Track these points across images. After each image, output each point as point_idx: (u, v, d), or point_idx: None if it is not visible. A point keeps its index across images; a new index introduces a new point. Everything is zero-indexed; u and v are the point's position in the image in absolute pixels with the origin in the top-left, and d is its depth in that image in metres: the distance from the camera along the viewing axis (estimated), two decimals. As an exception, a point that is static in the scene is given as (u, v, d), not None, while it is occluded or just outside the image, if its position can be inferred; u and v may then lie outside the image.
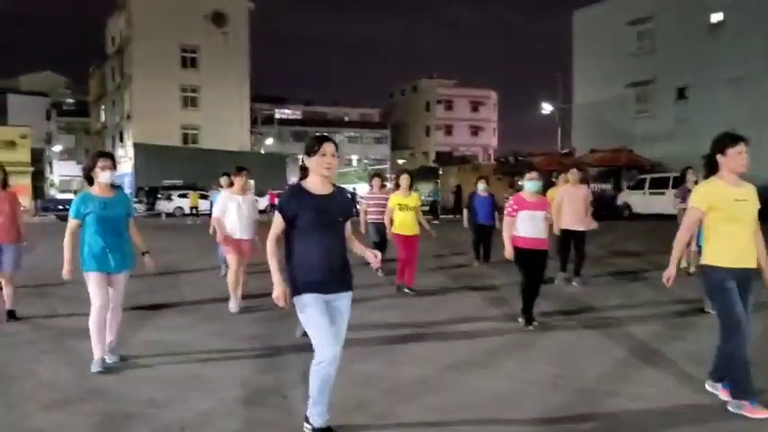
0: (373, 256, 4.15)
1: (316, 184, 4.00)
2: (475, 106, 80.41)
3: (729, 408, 4.39)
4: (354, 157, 78.11)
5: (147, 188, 42.04)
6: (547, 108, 42.32)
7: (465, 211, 13.24)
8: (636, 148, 33.51)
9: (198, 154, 46.85)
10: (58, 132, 71.84)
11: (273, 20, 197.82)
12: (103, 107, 61.28)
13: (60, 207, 38.49)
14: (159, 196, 39.10)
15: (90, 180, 5.62)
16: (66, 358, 5.96)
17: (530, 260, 7.11)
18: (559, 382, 5.17)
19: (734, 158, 4.48)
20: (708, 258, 4.52)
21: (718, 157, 4.56)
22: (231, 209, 8.10)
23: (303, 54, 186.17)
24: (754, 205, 4.55)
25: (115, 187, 5.80)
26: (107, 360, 5.54)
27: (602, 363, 5.70)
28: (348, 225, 4.13)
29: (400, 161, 77.12)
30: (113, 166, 5.65)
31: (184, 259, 13.80)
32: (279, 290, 3.90)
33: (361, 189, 46.89)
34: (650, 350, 6.10)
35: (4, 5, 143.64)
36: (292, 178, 67.96)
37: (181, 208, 36.32)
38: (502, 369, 5.56)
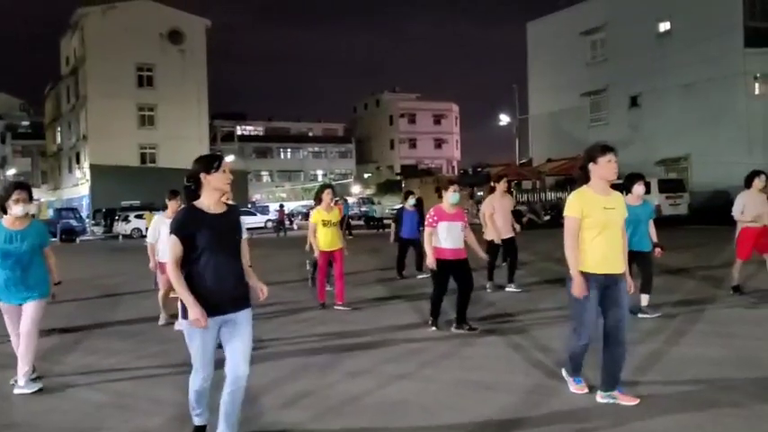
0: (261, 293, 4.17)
1: (211, 202, 3.88)
2: (437, 119, 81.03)
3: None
4: (320, 173, 78.06)
5: (104, 210, 41.37)
6: (504, 119, 42.74)
7: (393, 225, 13.15)
8: (586, 157, 33.93)
9: (156, 173, 46.21)
10: (14, 155, 70.37)
11: (233, 36, 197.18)
12: (59, 129, 60.26)
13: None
14: (117, 218, 38.44)
15: (5, 210, 5.46)
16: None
17: (450, 270, 7.25)
18: (487, 392, 5.11)
19: (604, 167, 4.63)
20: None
21: (590, 166, 4.68)
22: (164, 233, 7.96)
23: (265, 70, 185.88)
24: (622, 214, 4.75)
25: (32, 217, 5.71)
26: (25, 389, 5.43)
27: (528, 371, 5.65)
28: (245, 244, 4.05)
29: (366, 175, 77.32)
30: (29, 199, 5.53)
31: (129, 281, 13.51)
32: (196, 311, 3.74)
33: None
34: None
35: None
36: (255, 195, 67.74)
37: (138, 229, 35.69)
38: (431, 380, 5.49)
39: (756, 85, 30.33)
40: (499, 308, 8.72)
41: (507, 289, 10.13)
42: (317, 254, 9.09)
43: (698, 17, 31.39)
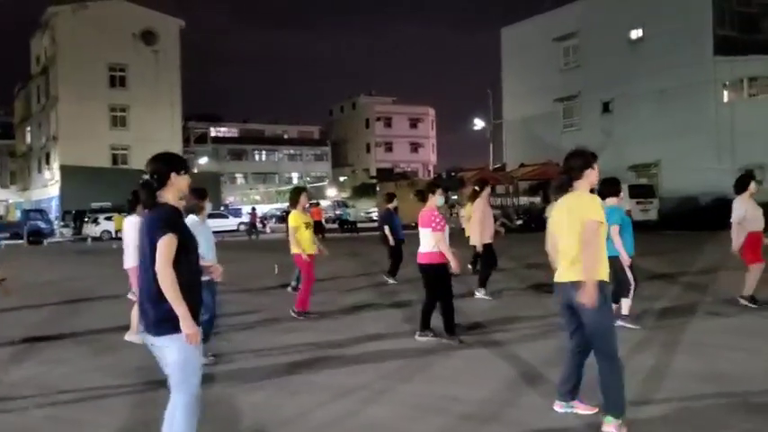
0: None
1: (174, 203, 3.61)
2: (414, 123, 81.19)
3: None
4: (295, 175, 77.77)
5: (73, 212, 40.77)
6: (479, 124, 42.90)
7: (387, 228, 12.95)
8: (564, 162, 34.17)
9: (128, 175, 45.60)
10: (-18, 155, 69.10)
11: (210, 37, 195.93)
12: (29, 129, 59.29)
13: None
14: (86, 220, 37.88)
15: None
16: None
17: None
18: (447, 406, 5.03)
19: (594, 173, 4.58)
20: None
21: (588, 171, 4.57)
22: (131, 237, 7.71)
23: (242, 72, 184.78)
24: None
25: None
26: None
27: (495, 383, 5.58)
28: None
29: (342, 178, 77.18)
30: None
31: (93, 286, 13.25)
32: (191, 324, 3.42)
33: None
34: (541, 370, 6.01)
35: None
36: (229, 198, 67.24)
37: (108, 231, 35.24)
38: (396, 393, 5.41)
39: (725, 92, 30.78)
40: (475, 317, 8.58)
41: (477, 295, 10.01)
42: (305, 257, 8.77)
43: (669, 25, 31.77)
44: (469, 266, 11.89)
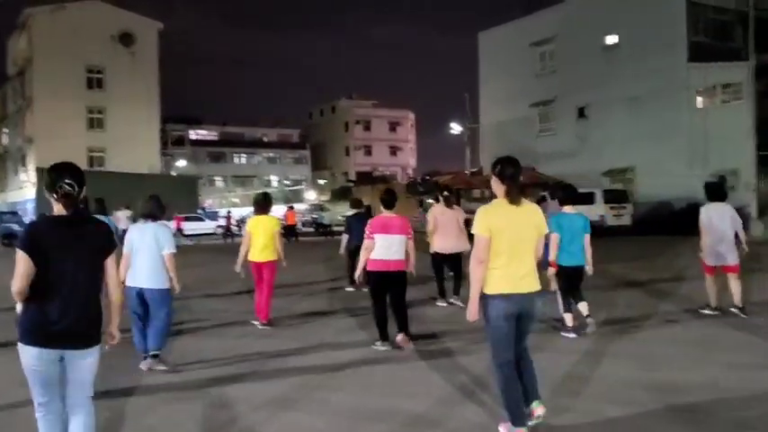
0: None
1: (61, 211, 3.58)
2: (393, 126, 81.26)
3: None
4: (274, 178, 77.50)
5: (48, 214, 40.24)
6: (456, 128, 43.01)
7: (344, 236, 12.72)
8: (540, 166, 34.36)
9: (104, 177, 45.17)
10: (-43, 157, 68.21)
11: (190, 40, 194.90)
12: (5, 130, 58.65)
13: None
14: (61, 222, 37.37)
15: None
16: None
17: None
18: (382, 416, 5.00)
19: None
20: None
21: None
22: None
23: (221, 74, 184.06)
24: None
25: None
26: None
27: (437, 393, 5.57)
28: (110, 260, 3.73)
29: (321, 181, 77.01)
30: None
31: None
32: (117, 332, 3.76)
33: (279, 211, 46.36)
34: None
35: None
36: (207, 201, 66.86)
37: (82, 234, 34.79)
38: (327, 404, 5.35)
39: (699, 98, 31.07)
40: (442, 325, 8.54)
41: (453, 302, 9.89)
42: (284, 263, 8.86)
43: (643, 31, 32.06)
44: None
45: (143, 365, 6.41)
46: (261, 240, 8.64)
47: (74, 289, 3.50)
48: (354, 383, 5.98)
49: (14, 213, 40.55)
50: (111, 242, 3.76)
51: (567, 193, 8.04)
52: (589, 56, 34.72)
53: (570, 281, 7.66)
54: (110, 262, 3.71)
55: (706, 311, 8.62)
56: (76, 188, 3.56)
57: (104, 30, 49.28)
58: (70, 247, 3.52)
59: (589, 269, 7.73)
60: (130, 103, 49.87)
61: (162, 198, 6.84)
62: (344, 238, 12.24)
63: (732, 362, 6.30)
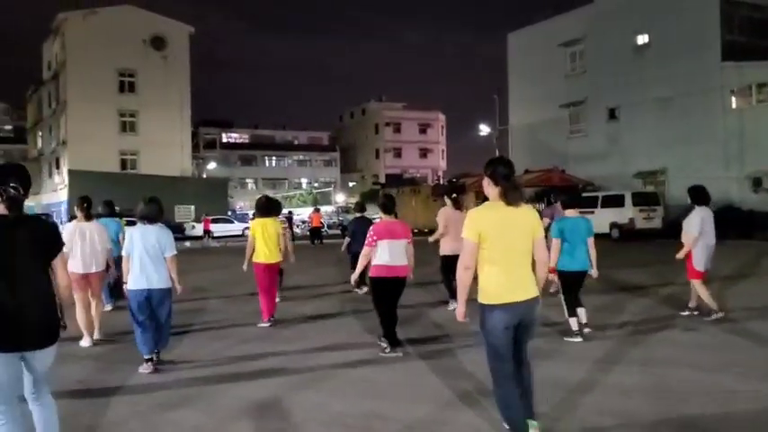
0: None
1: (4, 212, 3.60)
2: (423, 128, 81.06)
3: None
4: (304, 181, 77.88)
5: (80, 216, 40.88)
6: (485, 130, 42.66)
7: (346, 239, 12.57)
8: (570, 168, 33.88)
9: (136, 180, 45.83)
10: (-5, 160, 69.92)
11: (222, 44, 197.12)
12: (40, 133, 59.82)
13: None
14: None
15: None
16: None
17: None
18: (376, 421, 4.85)
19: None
20: None
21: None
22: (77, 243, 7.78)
23: (253, 78, 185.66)
24: None
25: None
26: None
27: (432, 400, 5.38)
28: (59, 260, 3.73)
29: (350, 184, 77.15)
30: None
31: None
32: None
33: (306, 212, 46.39)
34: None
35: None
36: (239, 203, 67.37)
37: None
38: (319, 409, 5.19)
39: (733, 99, 30.30)
40: (452, 327, 8.32)
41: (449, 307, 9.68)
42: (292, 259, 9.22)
43: (676, 31, 31.39)
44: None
45: (143, 368, 6.36)
46: (264, 243, 8.75)
47: (21, 289, 3.45)
48: (350, 387, 5.82)
49: (47, 215, 41.24)
50: (56, 243, 3.74)
51: (570, 198, 8.00)
52: (620, 56, 34.14)
53: (572, 285, 7.53)
54: (58, 262, 3.71)
55: (713, 317, 8.32)
56: (21, 191, 3.59)
57: (136, 34, 49.93)
58: (13, 248, 3.48)
59: (594, 272, 7.64)
60: (162, 106, 50.45)
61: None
62: (347, 240, 12.11)
63: (744, 372, 5.97)
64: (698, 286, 8.51)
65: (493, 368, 4.18)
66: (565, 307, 7.55)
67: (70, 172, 47.09)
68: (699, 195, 8.58)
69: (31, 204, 58.32)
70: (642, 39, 33.67)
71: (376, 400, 5.43)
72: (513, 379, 4.16)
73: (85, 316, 7.62)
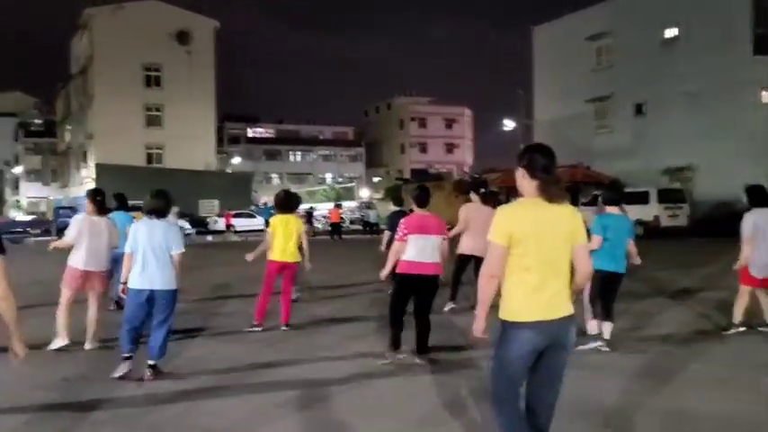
0: None
1: None
2: (449, 123, 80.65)
3: None
4: (329, 176, 77.92)
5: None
6: (510, 125, 42.19)
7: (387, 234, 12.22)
8: (596, 164, 33.32)
9: (161, 174, 46.14)
10: (26, 153, 71.01)
11: (247, 39, 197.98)
12: (69, 127, 60.62)
13: (18, 230, 37.75)
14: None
15: None
16: None
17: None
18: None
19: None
20: None
21: None
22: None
23: (278, 73, 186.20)
24: None
25: None
26: None
27: (426, 411, 5.11)
28: None
29: (375, 179, 77.00)
30: None
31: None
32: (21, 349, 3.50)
33: (328, 208, 46.26)
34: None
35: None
36: (263, 198, 67.57)
37: (136, 229, 35.57)
38: (311, 425, 4.90)
39: (764, 93, 29.56)
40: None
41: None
42: (306, 266, 8.71)
43: (705, 24, 30.69)
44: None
45: (119, 370, 5.89)
46: (282, 240, 8.25)
47: None
48: (366, 405, 5.28)
49: (72, 208, 41.71)
50: None
51: (614, 194, 7.24)
52: (647, 50, 33.47)
53: (606, 287, 6.91)
54: None
55: (731, 331, 7.66)
56: None
57: (162, 28, 50.28)
58: None
59: (636, 259, 7.06)
60: (188, 101, 50.77)
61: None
62: (386, 234, 11.40)
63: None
64: (743, 294, 7.72)
65: (498, 397, 3.47)
66: (591, 307, 6.99)
67: (97, 165, 47.62)
68: (755, 196, 7.70)
69: (60, 198, 59.23)
70: (670, 32, 32.97)
71: (381, 415, 4.97)
72: (522, 412, 3.48)
73: (65, 315, 7.10)
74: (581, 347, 6.50)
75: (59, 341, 7.07)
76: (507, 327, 3.36)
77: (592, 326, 7.00)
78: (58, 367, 6.43)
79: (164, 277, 5.98)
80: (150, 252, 5.97)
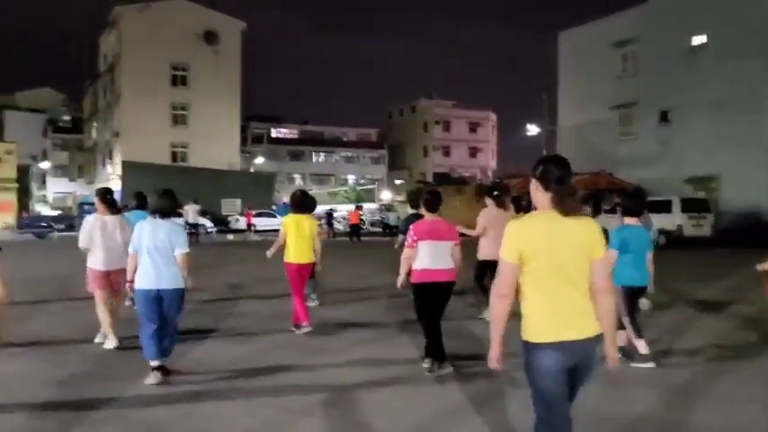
0: None
1: None
2: (473, 127, 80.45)
3: None
4: (351, 177, 78.03)
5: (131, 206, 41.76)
6: (533, 130, 41.96)
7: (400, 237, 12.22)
8: (620, 172, 32.98)
9: (186, 172, 46.60)
10: (53, 149, 72.03)
11: (274, 40, 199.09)
12: (95, 124, 61.40)
13: (43, 225, 38.28)
14: (138, 214, 38.77)
15: None
16: None
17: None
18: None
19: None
20: None
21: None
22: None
23: (303, 74, 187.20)
24: None
25: None
26: None
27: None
28: None
29: (397, 182, 76.97)
30: None
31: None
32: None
33: (346, 209, 46.36)
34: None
35: (6, 20, 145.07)
36: (285, 198, 67.89)
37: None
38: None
39: (793, 103, 29.04)
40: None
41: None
42: (319, 267, 8.64)
43: (733, 31, 30.24)
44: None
45: (150, 379, 5.81)
46: (295, 241, 8.16)
47: None
48: (380, 414, 5.14)
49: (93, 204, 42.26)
50: None
51: (634, 203, 6.83)
52: (674, 57, 33.08)
53: (633, 303, 6.64)
54: None
55: None
56: None
57: (189, 28, 50.80)
58: None
59: (651, 287, 6.82)
60: (213, 100, 51.23)
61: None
62: (400, 238, 11.34)
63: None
64: None
65: (540, 415, 3.29)
66: (630, 328, 6.58)
67: (123, 163, 48.19)
68: None
69: (87, 194, 59.97)
70: (698, 39, 32.55)
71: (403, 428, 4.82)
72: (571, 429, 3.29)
73: (105, 314, 7.21)
74: (635, 365, 6.39)
75: (111, 342, 7.17)
76: (530, 348, 3.21)
77: (641, 345, 6.57)
78: (65, 364, 6.50)
79: (170, 276, 5.97)
80: (155, 251, 5.96)
